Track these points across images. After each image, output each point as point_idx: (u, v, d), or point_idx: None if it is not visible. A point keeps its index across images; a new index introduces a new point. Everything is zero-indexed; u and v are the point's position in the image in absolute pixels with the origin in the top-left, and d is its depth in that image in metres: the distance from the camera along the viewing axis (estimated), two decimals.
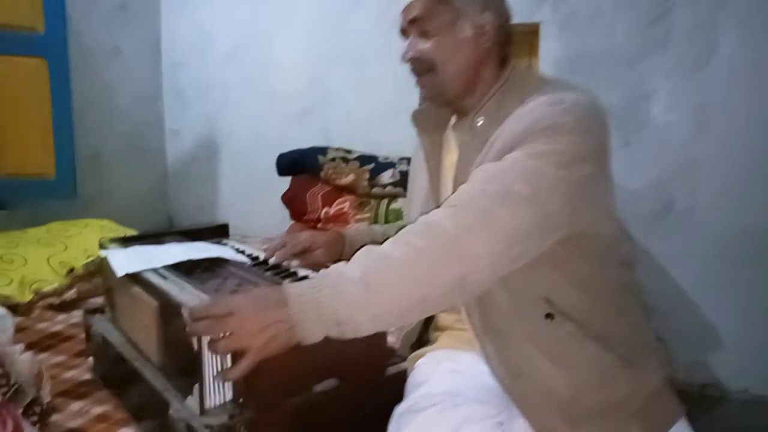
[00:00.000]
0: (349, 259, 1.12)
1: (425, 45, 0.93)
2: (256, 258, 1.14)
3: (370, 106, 2.42)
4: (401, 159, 2.17)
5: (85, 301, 1.65)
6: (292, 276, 1.02)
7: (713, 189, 1.92)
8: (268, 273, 1.02)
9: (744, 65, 1.84)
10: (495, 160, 0.83)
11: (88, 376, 1.20)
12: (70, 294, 1.63)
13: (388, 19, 2.24)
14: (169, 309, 0.87)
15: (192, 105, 2.79)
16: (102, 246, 1.12)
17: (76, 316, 1.53)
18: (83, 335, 1.39)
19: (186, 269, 1.01)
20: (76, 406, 1.07)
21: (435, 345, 1.00)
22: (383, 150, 2.27)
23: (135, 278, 0.97)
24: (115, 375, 1.11)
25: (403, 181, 2.06)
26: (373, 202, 2.11)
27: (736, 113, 1.86)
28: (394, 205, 2.06)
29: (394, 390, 0.97)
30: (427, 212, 1.03)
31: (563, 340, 0.84)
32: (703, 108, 1.92)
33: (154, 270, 0.98)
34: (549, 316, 0.84)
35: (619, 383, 0.83)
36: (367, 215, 2.08)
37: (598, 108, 0.86)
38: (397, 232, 1.25)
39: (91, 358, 1.19)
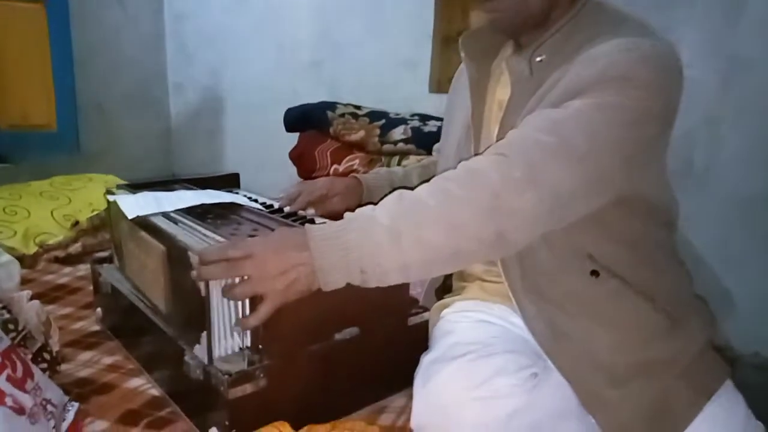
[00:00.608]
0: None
1: None
2: (270, 206, 1.09)
3: (382, 59, 2.33)
4: (413, 115, 2.10)
5: (90, 255, 1.61)
6: (311, 222, 0.97)
7: (736, 149, 1.85)
8: (285, 220, 0.98)
9: None
10: (554, 105, 0.76)
11: (96, 327, 1.17)
12: (75, 247, 1.59)
13: None
14: (176, 253, 0.82)
15: (195, 57, 2.70)
16: (109, 192, 1.07)
17: (82, 269, 1.49)
18: (90, 288, 1.36)
19: (198, 214, 0.96)
20: (85, 356, 1.04)
21: (463, 295, 0.95)
22: (393, 107, 2.20)
23: (143, 223, 0.92)
24: (124, 325, 1.08)
25: (415, 137, 2.00)
26: (384, 159, 2.04)
27: (764, 70, 1.78)
28: (406, 163, 1.99)
29: (416, 340, 0.94)
30: (465, 147, 0.96)
31: (609, 298, 0.79)
32: (729, 63, 1.83)
33: (165, 214, 0.93)
34: (594, 273, 0.79)
35: (665, 342, 0.78)
36: None
37: (676, 61, 0.78)
38: (420, 175, 1.21)
39: (99, 309, 1.16)
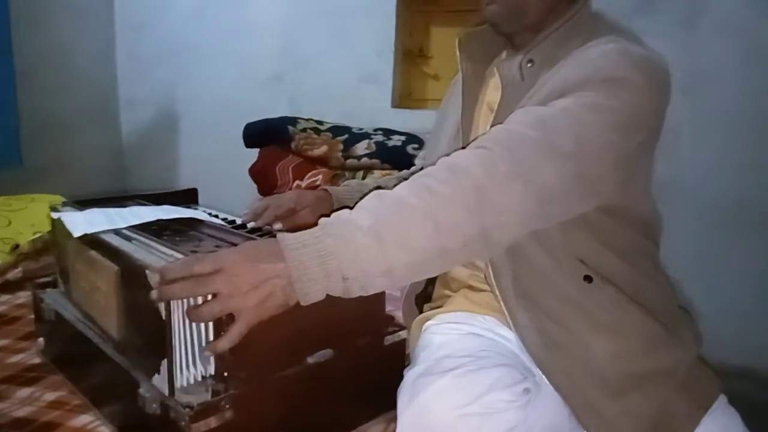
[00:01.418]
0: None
1: None
2: (233, 222, 1.02)
3: (345, 73, 2.29)
4: (376, 130, 2.06)
5: (31, 282, 1.48)
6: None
7: (701, 158, 1.89)
8: (250, 235, 0.90)
9: (734, 28, 1.80)
10: (541, 104, 0.73)
11: (37, 359, 1.05)
12: (14, 273, 1.46)
13: None
14: (132, 273, 0.74)
15: (150, 71, 2.59)
16: (54, 209, 0.97)
17: (22, 297, 1.36)
18: (31, 317, 1.24)
19: (154, 231, 0.88)
20: (24, 392, 0.93)
21: (446, 307, 0.90)
22: (356, 121, 2.16)
23: (93, 242, 0.84)
24: (69, 356, 0.98)
25: (379, 152, 1.96)
26: (347, 174, 2.00)
27: (726, 78, 1.83)
28: (372, 177, 1.95)
29: (394, 360, 0.88)
30: (454, 147, 0.91)
31: (606, 305, 0.76)
32: (689, 74, 1.88)
33: (117, 231, 0.85)
34: (587, 278, 0.76)
35: (664, 351, 0.76)
36: None
37: (667, 72, 0.77)
38: (395, 185, 1.17)
39: (41, 339, 1.05)
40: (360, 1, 2.23)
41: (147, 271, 0.68)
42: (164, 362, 0.68)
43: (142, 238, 0.83)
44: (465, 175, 0.66)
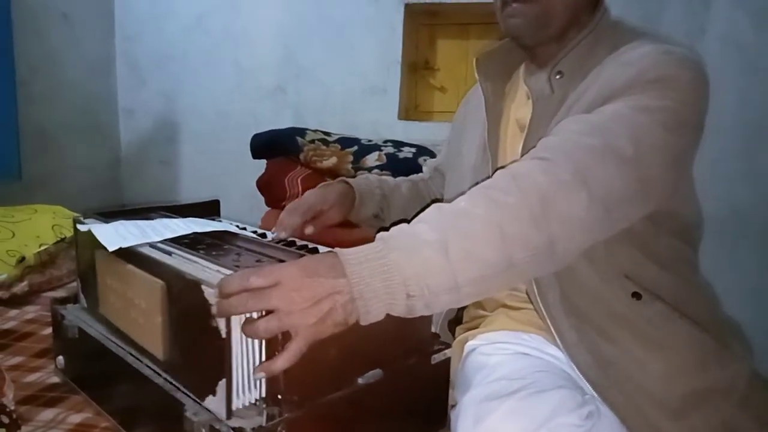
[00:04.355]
0: (359, 213, 0.98)
1: None
2: (263, 235, 0.99)
3: (349, 84, 2.27)
4: (385, 141, 2.04)
5: (37, 295, 1.43)
6: (314, 252, 0.87)
7: (699, 169, 1.89)
8: (288, 248, 0.87)
9: (735, 43, 1.83)
10: (588, 111, 0.72)
11: (55, 378, 1.00)
12: (21, 287, 1.40)
13: None
14: (180, 288, 0.70)
15: (148, 81, 2.54)
16: (79, 221, 0.93)
17: (31, 311, 1.31)
18: (43, 332, 1.19)
19: (187, 244, 0.84)
20: (47, 414, 0.89)
21: (487, 326, 0.88)
22: (361, 133, 2.14)
23: (129, 255, 0.80)
24: (94, 375, 0.93)
25: (390, 164, 1.94)
26: None
27: (726, 90, 1.85)
28: None
29: (440, 380, 0.85)
30: (482, 168, 0.91)
31: (656, 321, 0.74)
32: None
33: (152, 245, 0.81)
34: (635, 295, 0.75)
35: (720, 366, 0.74)
36: None
37: (706, 69, 0.76)
38: (409, 188, 1.15)
39: (60, 357, 0.99)
40: (362, 13, 2.22)
41: (203, 286, 0.65)
42: (221, 383, 0.64)
43: (179, 252, 0.79)
44: (529, 185, 0.64)
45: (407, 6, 2.16)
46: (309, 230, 0.94)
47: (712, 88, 1.90)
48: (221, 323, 0.63)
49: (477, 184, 0.68)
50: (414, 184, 1.18)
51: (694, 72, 0.73)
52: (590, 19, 0.83)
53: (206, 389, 0.67)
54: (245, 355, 0.65)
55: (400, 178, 1.19)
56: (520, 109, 0.89)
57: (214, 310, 0.61)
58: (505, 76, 0.95)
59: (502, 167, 0.70)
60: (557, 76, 0.83)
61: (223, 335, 0.63)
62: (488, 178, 0.71)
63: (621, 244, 0.74)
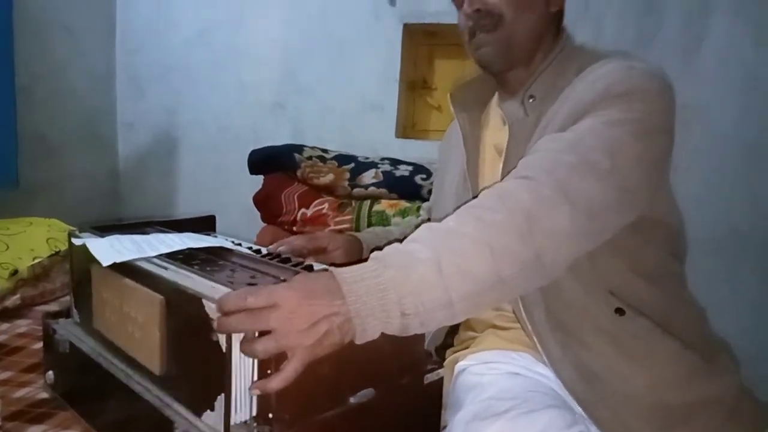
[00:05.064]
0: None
1: None
2: (258, 251, 0.98)
3: (348, 101, 2.29)
4: (383, 159, 2.05)
5: (29, 309, 1.42)
6: (309, 269, 0.87)
7: (696, 188, 1.91)
8: (283, 265, 0.87)
9: (733, 59, 1.84)
10: (562, 130, 0.75)
11: (44, 394, 0.99)
12: (13, 300, 1.39)
13: (374, 4, 2.17)
14: (180, 303, 0.70)
15: (149, 94, 2.55)
16: (74, 234, 0.93)
17: (22, 325, 1.30)
18: (33, 347, 1.18)
19: (182, 260, 0.84)
20: (35, 430, 0.87)
21: (477, 346, 0.88)
22: (359, 150, 2.15)
23: (127, 269, 0.79)
24: (84, 391, 0.92)
25: (386, 181, 1.95)
26: (354, 203, 1.97)
27: (723, 110, 1.86)
28: (377, 207, 1.93)
29: (433, 399, 0.85)
30: (463, 195, 0.93)
31: (640, 336, 0.75)
32: (684, 110, 1.91)
33: (148, 260, 0.81)
34: (619, 311, 0.75)
35: (707, 380, 0.75)
36: (348, 217, 1.94)
37: (668, 79, 0.80)
38: (415, 229, 1.16)
39: (50, 373, 0.98)
40: (363, 32, 2.24)
41: (204, 301, 0.65)
42: (220, 398, 0.64)
43: (174, 267, 0.79)
44: (514, 203, 0.66)
45: (406, 26, 2.19)
46: (309, 261, 0.95)
47: (709, 106, 1.92)
48: (222, 338, 0.63)
49: (455, 211, 0.69)
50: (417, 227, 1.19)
51: (659, 83, 0.76)
52: (554, 45, 0.88)
53: (204, 404, 0.67)
54: (245, 370, 0.65)
55: (403, 226, 1.20)
56: (496, 134, 0.92)
57: (215, 324, 0.62)
58: (480, 106, 0.99)
59: (486, 188, 0.72)
60: (530, 100, 0.86)
61: (224, 350, 0.63)
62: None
63: (606, 259, 0.76)
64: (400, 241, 0.67)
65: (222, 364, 0.63)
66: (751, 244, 1.86)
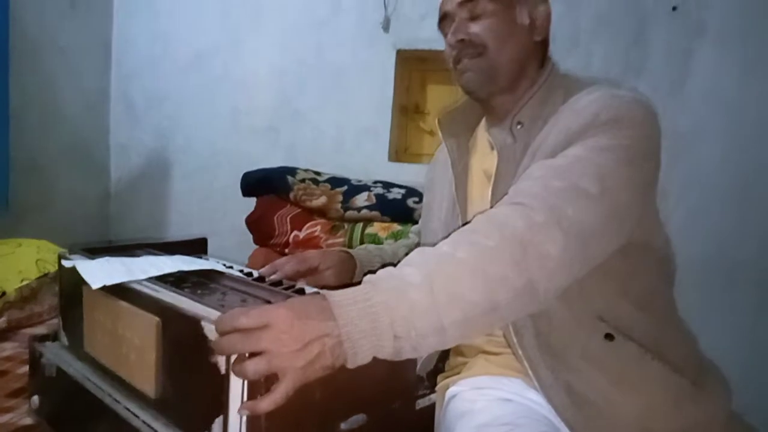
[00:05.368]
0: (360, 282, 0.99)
1: (477, 27, 0.86)
2: (249, 274, 0.98)
3: (341, 126, 2.31)
4: (375, 182, 2.06)
5: (15, 332, 1.40)
6: (300, 293, 0.87)
7: (683, 218, 1.93)
8: (274, 288, 0.87)
9: (717, 92, 1.88)
10: (550, 157, 0.76)
11: (28, 420, 0.98)
12: (0, 322, 1.37)
13: (367, 30, 2.20)
14: (177, 325, 0.70)
15: (143, 117, 2.56)
16: (64, 257, 0.92)
17: (8, 348, 1.28)
18: (19, 371, 1.17)
19: (172, 282, 0.83)
20: None
21: (468, 371, 0.87)
22: (352, 173, 2.16)
23: (121, 291, 0.79)
24: (70, 416, 0.90)
25: (379, 204, 1.95)
26: (346, 226, 1.98)
27: (710, 140, 1.90)
28: (370, 230, 1.93)
29: (425, 425, 0.84)
30: (452, 221, 0.93)
31: (629, 362, 0.75)
32: (674, 137, 1.94)
33: (138, 282, 0.80)
34: (608, 336, 0.76)
35: (695, 406, 0.75)
36: (340, 240, 1.94)
37: (653, 106, 0.81)
38: (407, 252, 1.16)
39: (35, 397, 0.97)
40: (358, 58, 2.27)
41: (203, 323, 0.65)
42: (218, 420, 0.63)
43: (166, 290, 0.78)
44: (507, 229, 0.66)
45: (399, 52, 2.22)
46: (300, 283, 0.94)
47: (697, 135, 1.94)
48: (221, 360, 0.63)
49: (449, 236, 0.70)
50: (409, 248, 1.19)
51: (643, 110, 0.78)
52: (540, 73, 0.90)
53: (201, 427, 0.66)
54: (243, 392, 0.64)
55: (396, 245, 1.20)
56: (484, 159, 0.93)
57: (214, 346, 0.61)
58: (468, 132, 1.00)
59: (480, 212, 0.72)
60: (518, 126, 0.88)
61: (223, 371, 0.63)
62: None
63: (595, 284, 0.76)
64: (394, 264, 0.67)
65: (220, 386, 0.63)
66: (738, 270, 1.88)
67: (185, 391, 0.71)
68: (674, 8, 1.91)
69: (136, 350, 0.75)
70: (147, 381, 0.74)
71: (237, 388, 0.63)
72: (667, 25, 1.92)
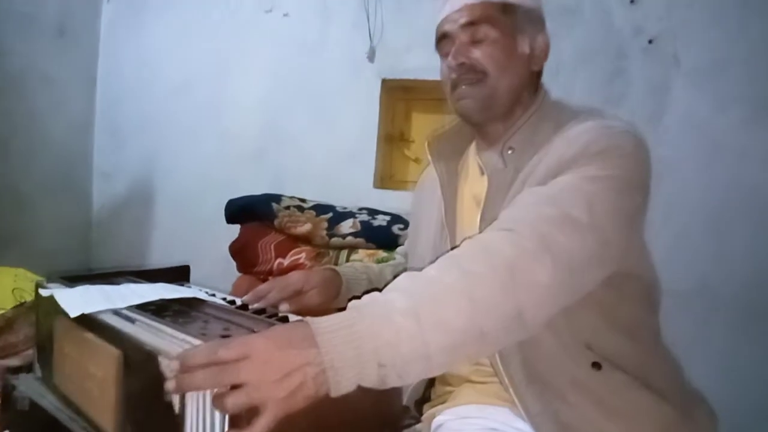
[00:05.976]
0: (347, 301, 0.98)
1: (479, 52, 0.86)
2: (233, 302, 0.97)
3: (328, 152, 2.32)
4: (360, 209, 2.06)
5: None
6: (284, 320, 0.85)
7: (662, 245, 1.93)
8: (257, 316, 0.85)
9: (695, 123, 1.92)
10: (541, 184, 0.77)
11: None
12: None
13: (353, 59, 2.23)
14: (139, 359, 0.67)
15: (128, 143, 2.55)
16: (41, 285, 0.90)
17: None
18: None
19: (153, 311, 0.82)
20: None
21: (454, 400, 0.86)
22: (338, 200, 2.16)
23: (89, 322, 0.77)
24: None
25: (364, 231, 1.95)
26: (331, 253, 1.97)
27: (688, 171, 1.93)
28: (355, 257, 1.92)
29: None
30: (441, 245, 0.93)
31: (617, 391, 0.75)
32: (655, 163, 1.97)
33: (116, 312, 0.79)
34: (596, 365, 0.75)
35: None
36: None
37: (643, 137, 0.82)
38: (393, 273, 1.15)
39: (7, 431, 0.93)
40: (344, 86, 2.30)
41: (160, 357, 0.62)
42: None
43: (144, 319, 0.77)
44: (497, 255, 0.66)
45: (384, 81, 2.25)
46: (284, 307, 0.93)
47: (676, 166, 1.97)
48: (175, 399, 0.60)
49: (436, 260, 0.69)
50: (395, 268, 1.19)
51: (634, 141, 0.79)
52: (533, 100, 0.91)
53: None
54: (198, 430, 0.62)
55: (383, 264, 1.20)
56: (474, 183, 0.94)
57: (168, 384, 0.58)
58: (457, 156, 1.01)
59: (469, 237, 0.72)
60: (509, 152, 0.88)
61: (176, 411, 0.60)
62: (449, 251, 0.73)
63: (583, 313, 0.76)
64: (380, 289, 0.67)
65: (175, 427, 0.60)
66: (720, 298, 1.89)
67: (141, 430, 0.68)
68: (650, 41, 1.96)
69: (98, 384, 0.72)
70: (107, 418, 0.71)
71: (192, 429, 0.60)
72: (644, 58, 1.97)
